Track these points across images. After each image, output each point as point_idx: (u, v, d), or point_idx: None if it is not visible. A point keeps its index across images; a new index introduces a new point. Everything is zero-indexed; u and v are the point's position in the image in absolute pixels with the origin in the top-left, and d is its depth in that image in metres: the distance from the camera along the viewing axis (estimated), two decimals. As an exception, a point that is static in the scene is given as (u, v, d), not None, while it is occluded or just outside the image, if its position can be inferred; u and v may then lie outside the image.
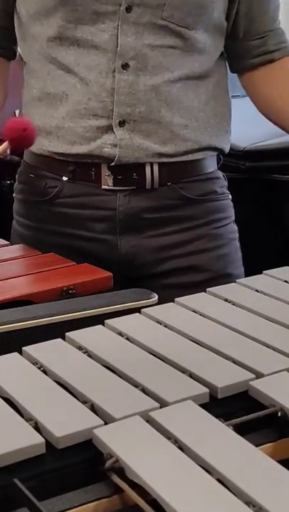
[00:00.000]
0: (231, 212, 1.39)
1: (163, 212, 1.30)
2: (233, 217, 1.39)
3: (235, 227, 1.40)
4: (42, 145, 1.30)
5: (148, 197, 1.29)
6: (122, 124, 1.24)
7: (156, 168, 1.27)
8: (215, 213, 1.35)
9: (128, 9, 1.20)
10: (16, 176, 1.41)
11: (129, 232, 1.30)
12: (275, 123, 1.38)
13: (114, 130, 1.24)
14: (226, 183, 1.39)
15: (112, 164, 1.25)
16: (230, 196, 1.39)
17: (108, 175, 1.27)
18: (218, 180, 1.37)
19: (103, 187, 1.28)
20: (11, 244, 1.34)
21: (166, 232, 1.31)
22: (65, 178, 1.30)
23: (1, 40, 1.37)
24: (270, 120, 1.38)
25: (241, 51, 1.35)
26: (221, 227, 1.35)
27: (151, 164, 1.27)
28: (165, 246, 1.31)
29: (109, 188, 1.28)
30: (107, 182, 1.28)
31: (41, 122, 1.29)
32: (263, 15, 1.32)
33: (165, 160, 1.27)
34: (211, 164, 1.35)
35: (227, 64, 1.38)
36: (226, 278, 1.31)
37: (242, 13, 1.30)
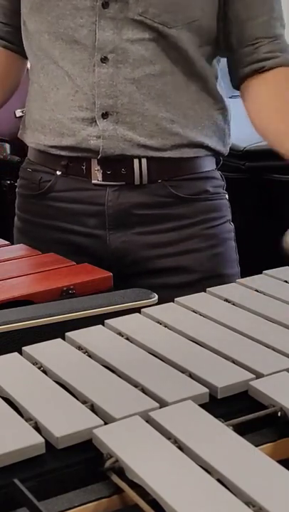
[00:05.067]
0: (226, 212, 1.38)
1: (153, 209, 1.31)
2: (229, 217, 1.39)
3: (231, 227, 1.39)
4: (38, 139, 1.33)
5: (138, 193, 1.30)
6: (105, 116, 1.25)
7: (144, 162, 1.28)
8: (207, 213, 1.34)
9: (104, 5, 1.21)
10: (19, 173, 1.43)
11: (119, 228, 1.31)
12: (263, 138, 1.32)
13: (98, 122, 1.25)
14: (222, 183, 1.38)
15: (99, 157, 1.27)
16: (226, 196, 1.38)
17: (97, 169, 1.28)
18: (212, 180, 1.35)
19: (93, 182, 1.30)
20: (13, 240, 1.35)
21: (156, 229, 1.32)
22: (58, 173, 1.32)
23: (15, 39, 1.39)
24: (260, 135, 1.32)
25: (235, 61, 1.30)
26: (213, 227, 1.35)
27: (140, 159, 1.27)
28: (155, 244, 1.32)
29: (99, 182, 1.29)
30: (97, 177, 1.29)
31: (38, 116, 1.32)
32: (253, 19, 1.26)
33: (153, 154, 1.27)
34: (205, 164, 1.34)
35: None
36: (218, 278, 1.31)
37: (232, 18, 1.26)
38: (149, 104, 1.25)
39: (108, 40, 1.22)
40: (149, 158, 1.28)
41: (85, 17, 1.22)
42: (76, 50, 1.24)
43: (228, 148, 1.38)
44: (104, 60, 1.23)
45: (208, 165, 1.35)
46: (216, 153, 1.35)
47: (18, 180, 1.43)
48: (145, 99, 1.25)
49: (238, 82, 1.33)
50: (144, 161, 1.28)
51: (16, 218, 1.43)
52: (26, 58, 1.42)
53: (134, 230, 1.31)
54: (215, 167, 1.37)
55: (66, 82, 1.26)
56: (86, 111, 1.26)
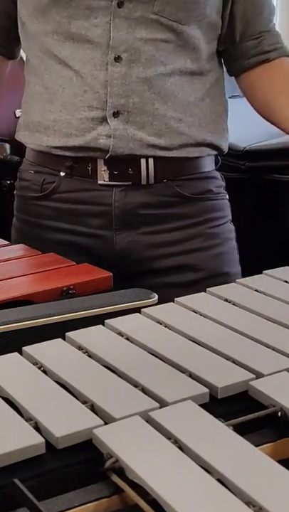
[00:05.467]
0: (228, 212, 1.39)
1: (158, 209, 1.32)
2: (230, 217, 1.40)
3: (232, 227, 1.40)
4: (41, 141, 1.32)
5: (144, 193, 1.30)
6: (116, 115, 1.26)
7: (151, 163, 1.29)
8: (210, 212, 1.35)
9: (120, 4, 1.23)
10: (18, 174, 1.43)
11: (125, 228, 1.31)
12: (272, 123, 1.38)
13: (109, 121, 1.26)
14: (223, 184, 1.40)
15: (108, 156, 1.27)
16: (227, 196, 1.40)
17: (104, 170, 1.29)
18: (214, 180, 1.37)
19: (99, 182, 1.30)
20: (11, 241, 1.35)
21: (162, 229, 1.32)
22: (62, 174, 1.32)
23: (2, 40, 1.40)
24: (268, 120, 1.39)
25: (238, 53, 1.36)
26: (216, 226, 1.36)
27: (147, 159, 1.28)
28: (160, 243, 1.32)
29: (105, 183, 1.30)
30: (103, 177, 1.29)
31: (40, 117, 1.32)
32: (258, 16, 1.33)
33: (160, 154, 1.28)
34: (208, 164, 1.36)
35: (224, 66, 1.39)
36: (222, 277, 1.32)
37: (238, 15, 1.32)
38: (158, 104, 1.26)
39: (122, 39, 1.23)
40: (156, 158, 1.28)
41: (100, 17, 1.23)
42: (88, 49, 1.25)
43: (228, 146, 1.39)
44: (117, 59, 1.24)
45: (209, 165, 1.36)
46: (217, 151, 1.36)
47: (16, 182, 1.43)
48: (155, 98, 1.26)
49: (239, 72, 1.38)
50: (150, 160, 1.28)
51: (14, 219, 1.43)
52: (9, 59, 1.43)
53: (140, 230, 1.32)
54: (214, 167, 1.38)
55: (74, 82, 1.26)
56: (96, 110, 1.26)
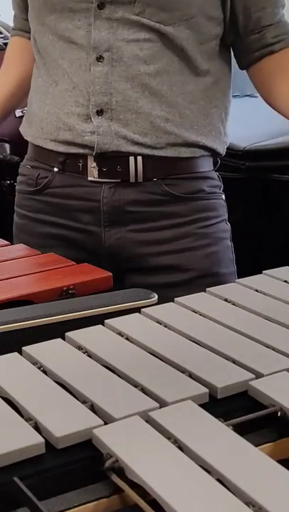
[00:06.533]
0: (222, 212, 1.38)
1: (148, 206, 1.32)
2: (225, 217, 1.39)
3: (227, 227, 1.39)
4: (37, 133, 1.35)
5: (133, 191, 1.31)
6: (99, 113, 1.27)
7: (140, 160, 1.29)
8: (202, 212, 1.35)
9: (100, 6, 1.24)
10: (19, 169, 1.45)
11: (114, 225, 1.32)
12: (284, 115, 1.35)
13: (92, 119, 1.27)
14: (218, 184, 1.38)
15: (95, 153, 1.28)
16: (222, 196, 1.39)
17: (94, 166, 1.30)
18: (208, 180, 1.36)
19: (89, 178, 1.31)
20: (12, 237, 1.36)
21: (151, 227, 1.32)
22: (56, 169, 1.34)
23: None
24: (280, 113, 1.36)
25: (243, 47, 1.34)
26: (208, 226, 1.35)
27: (135, 157, 1.29)
28: (149, 241, 1.32)
29: (95, 179, 1.31)
30: (93, 174, 1.31)
31: (38, 110, 1.35)
32: (260, 10, 1.31)
33: (148, 152, 1.28)
34: (203, 164, 1.34)
35: (231, 66, 1.37)
36: (213, 277, 1.32)
37: (238, 9, 1.30)
38: (142, 102, 1.27)
39: (103, 39, 1.25)
40: (144, 156, 1.29)
41: (82, 19, 1.25)
42: (74, 49, 1.27)
43: (226, 148, 1.38)
44: (99, 58, 1.26)
45: (205, 165, 1.35)
46: (212, 153, 1.35)
47: (17, 177, 1.45)
48: (139, 97, 1.26)
49: (247, 65, 1.37)
50: (139, 158, 1.29)
51: (14, 215, 1.44)
52: None
53: (129, 227, 1.32)
54: (212, 168, 1.37)
55: (65, 78, 1.29)
56: (82, 107, 1.28)
